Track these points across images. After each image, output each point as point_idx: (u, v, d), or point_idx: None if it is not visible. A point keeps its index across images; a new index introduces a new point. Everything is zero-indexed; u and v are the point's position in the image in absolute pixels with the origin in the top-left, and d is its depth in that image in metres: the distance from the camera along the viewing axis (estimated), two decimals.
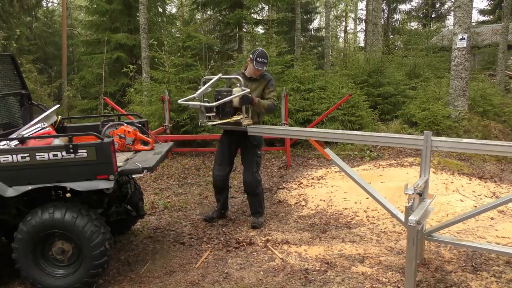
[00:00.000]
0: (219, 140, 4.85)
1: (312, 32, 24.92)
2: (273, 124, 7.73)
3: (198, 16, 16.97)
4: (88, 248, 3.28)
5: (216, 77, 4.46)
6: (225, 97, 4.22)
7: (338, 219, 4.87)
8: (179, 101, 4.57)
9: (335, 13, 31.18)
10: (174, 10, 20.68)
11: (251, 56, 4.48)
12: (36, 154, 3.17)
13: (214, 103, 4.24)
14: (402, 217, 3.22)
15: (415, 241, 3.02)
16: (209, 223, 4.83)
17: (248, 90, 4.31)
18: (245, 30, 14.65)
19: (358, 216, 4.92)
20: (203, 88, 4.34)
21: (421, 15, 23.67)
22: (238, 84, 4.33)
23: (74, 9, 22.55)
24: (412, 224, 2.91)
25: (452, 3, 18.58)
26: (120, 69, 12.71)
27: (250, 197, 4.78)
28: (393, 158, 7.12)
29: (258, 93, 4.54)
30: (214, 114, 4.34)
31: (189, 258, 4.04)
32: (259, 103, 4.41)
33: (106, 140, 3.28)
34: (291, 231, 4.54)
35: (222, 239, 4.41)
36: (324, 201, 5.45)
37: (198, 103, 4.31)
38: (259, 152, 4.68)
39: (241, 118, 4.29)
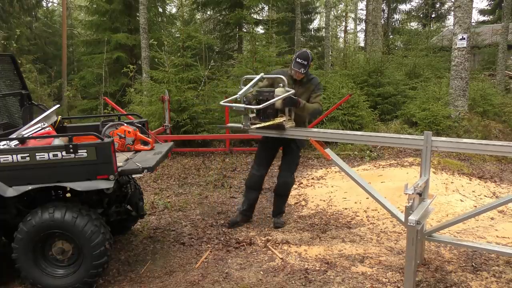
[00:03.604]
0: (262, 140, 4.68)
1: (312, 32, 24.90)
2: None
3: (198, 16, 16.98)
4: (88, 248, 3.28)
5: (258, 77, 4.21)
6: (267, 98, 4.01)
7: (338, 219, 4.87)
8: (220, 103, 4.35)
9: (335, 13, 31.20)
10: (174, 10, 20.71)
11: (293, 56, 4.29)
12: (36, 154, 3.17)
13: (261, 105, 3.97)
14: (402, 217, 3.22)
15: (415, 241, 3.02)
16: (232, 228, 4.68)
17: (292, 91, 4.07)
18: (245, 30, 14.66)
19: (358, 216, 4.92)
20: (244, 88, 4.05)
21: (421, 15, 23.65)
22: (281, 84, 4.08)
23: (74, 9, 22.56)
24: (411, 224, 2.91)
25: (452, 3, 18.57)
26: (120, 69, 12.72)
27: (279, 198, 4.69)
28: (393, 158, 7.12)
29: (306, 97, 4.34)
30: (254, 115, 4.15)
31: (189, 258, 4.04)
32: (304, 106, 4.23)
33: (106, 140, 3.29)
34: (291, 231, 4.54)
35: (222, 239, 4.41)
36: (324, 201, 5.45)
37: (243, 105, 4.03)
38: (300, 154, 4.65)
39: (284, 121, 4.07)
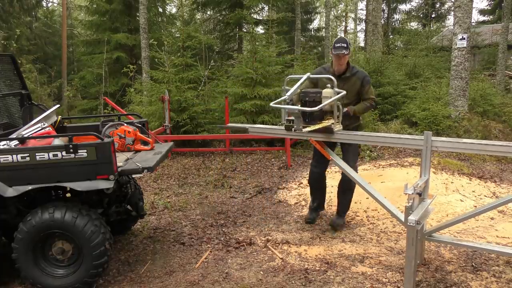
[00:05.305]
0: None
1: (312, 32, 24.94)
2: (273, 124, 7.72)
3: (198, 16, 16.98)
4: (88, 248, 3.29)
5: (304, 76, 3.98)
6: (314, 99, 3.80)
7: None
8: (271, 104, 4.06)
9: (335, 13, 31.20)
10: (174, 10, 20.72)
11: (330, 47, 4.14)
12: (36, 154, 3.17)
13: (317, 107, 3.72)
14: (402, 217, 3.22)
15: (415, 241, 3.02)
16: (312, 224, 4.65)
17: (344, 92, 3.80)
18: (245, 30, 14.66)
19: (358, 216, 4.91)
20: (292, 89, 3.83)
21: (421, 15, 23.65)
22: (329, 85, 3.83)
23: (74, 9, 22.57)
24: (411, 224, 2.91)
25: (452, 3, 18.58)
26: (120, 69, 12.73)
27: (342, 194, 4.53)
28: (393, 158, 7.12)
29: (353, 94, 4.19)
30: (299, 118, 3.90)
31: (189, 258, 4.04)
32: (354, 113, 4.18)
33: (106, 140, 3.29)
34: (291, 231, 4.54)
35: (222, 239, 4.41)
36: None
37: (296, 107, 3.81)
38: (359, 150, 4.54)
39: (332, 124, 3.82)
